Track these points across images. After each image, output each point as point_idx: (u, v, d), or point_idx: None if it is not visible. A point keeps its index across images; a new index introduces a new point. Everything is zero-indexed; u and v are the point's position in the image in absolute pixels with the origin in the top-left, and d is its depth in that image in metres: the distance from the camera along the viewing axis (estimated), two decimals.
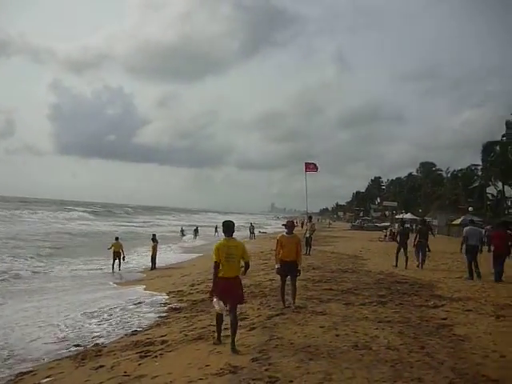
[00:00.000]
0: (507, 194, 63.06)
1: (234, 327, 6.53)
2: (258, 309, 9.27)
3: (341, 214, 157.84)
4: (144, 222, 72.06)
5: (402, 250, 17.38)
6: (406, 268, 16.52)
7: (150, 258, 21.21)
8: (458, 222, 48.53)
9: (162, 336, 7.87)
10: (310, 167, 31.77)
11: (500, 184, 60.28)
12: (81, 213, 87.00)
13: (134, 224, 65.92)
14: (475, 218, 53.65)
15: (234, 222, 7.23)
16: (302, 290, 10.80)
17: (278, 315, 8.45)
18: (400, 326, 7.78)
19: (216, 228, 45.84)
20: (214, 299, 6.64)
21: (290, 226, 9.49)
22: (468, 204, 66.08)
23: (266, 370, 5.55)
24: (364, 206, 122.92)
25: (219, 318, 6.75)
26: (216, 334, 6.94)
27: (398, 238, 18.13)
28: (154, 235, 22.86)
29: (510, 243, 14.49)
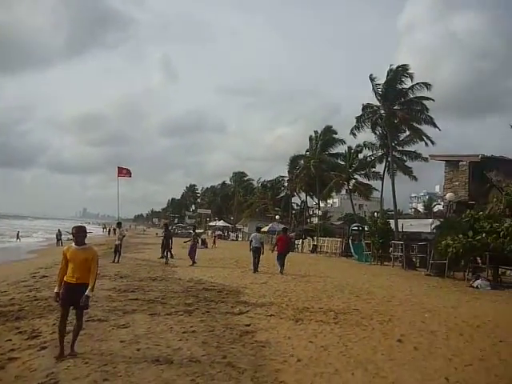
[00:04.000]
0: (309, 204, 68.53)
1: None
2: (54, 324, 8.34)
3: (156, 220, 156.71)
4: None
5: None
6: (159, 259, 21.82)
7: None
8: (265, 229, 51.14)
9: None
10: (123, 172, 30.77)
11: (303, 195, 65.19)
12: None
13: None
14: (281, 226, 57.47)
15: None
16: (105, 302, 10.16)
17: None
18: (205, 335, 7.63)
19: None
20: None
21: (77, 234, 6.59)
22: (275, 212, 70.33)
23: None
24: (179, 212, 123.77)
25: None
26: None
27: (164, 240, 22.83)
28: None
29: (290, 243, 21.26)
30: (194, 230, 26.09)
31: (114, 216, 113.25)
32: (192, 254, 21.52)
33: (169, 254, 22.19)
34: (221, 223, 79.71)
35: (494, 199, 21.43)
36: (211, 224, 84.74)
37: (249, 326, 8.51)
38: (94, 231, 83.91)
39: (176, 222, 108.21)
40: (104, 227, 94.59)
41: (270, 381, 5.59)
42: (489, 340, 8.29)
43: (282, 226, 57.93)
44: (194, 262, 20.97)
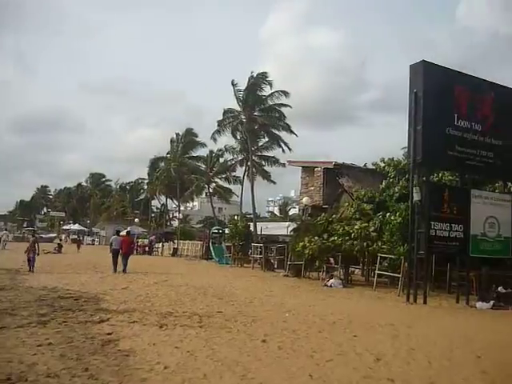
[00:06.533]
0: (169, 207, 68.01)
1: None
2: None
3: (1, 224, 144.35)
4: None
5: None
6: None
7: None
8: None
9: None
10: None
11: (163, 197, 64.55)
12: None
13: None
14: (141, 229, 56.32)
15: None
16: None
17: None
18: (62, 347, 7.09)
19: None
20: None
21: None
22: (135, 215, 68.70)
23: None
24: (29, 215, 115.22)
25: None
26: None
27: None
28: None
29: (132, 246, 24.61)
30: (33, 235, 24.91)
31: None
32: (33, 260, 19.97)
33: None
34: (76, 227, 75.78)
35: (346, 204, 22.96)
36: (65, 228, 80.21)
37: (111, 334, 8.11)
38: None
39: (25, 225, 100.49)
40: None
41: None
42: (345, 335, 8.81)
43: (142, 229, 57.09)
44: (31, 269, 19.51)
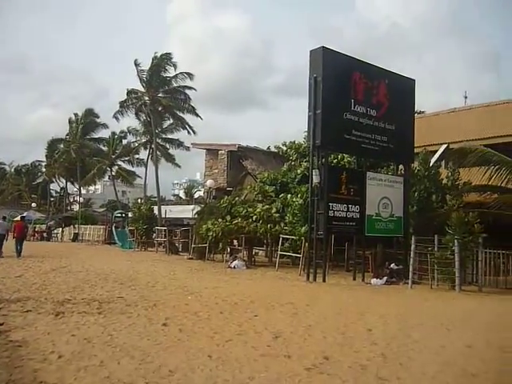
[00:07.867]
0: (70, 191, 65.27)
1: None
2: None
3: None
4: None
5: None
6: None
7: None
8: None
9: None
10: None
11: (63, 181, 61.82)
12: None
13: None
14: (38, 214, 53.64)
15: None
16: None
17: None
18: None
19: None
20: None
21: None
22: (32, 200, 65.29)
23: None
24: None
25: None
26: None
27: None
28: None
29: (26, 230, 24.48)
30: None
31: None
32: None
33: None
34: None
35: (249, 186, 23.28)
36: None
37: (1, 325, 7.67)
38: None
39: None
40: None
41: (28, 382, 5.11)
42: (245, 315, 8.97)
43: (40, 214, 54.46)
44: None
